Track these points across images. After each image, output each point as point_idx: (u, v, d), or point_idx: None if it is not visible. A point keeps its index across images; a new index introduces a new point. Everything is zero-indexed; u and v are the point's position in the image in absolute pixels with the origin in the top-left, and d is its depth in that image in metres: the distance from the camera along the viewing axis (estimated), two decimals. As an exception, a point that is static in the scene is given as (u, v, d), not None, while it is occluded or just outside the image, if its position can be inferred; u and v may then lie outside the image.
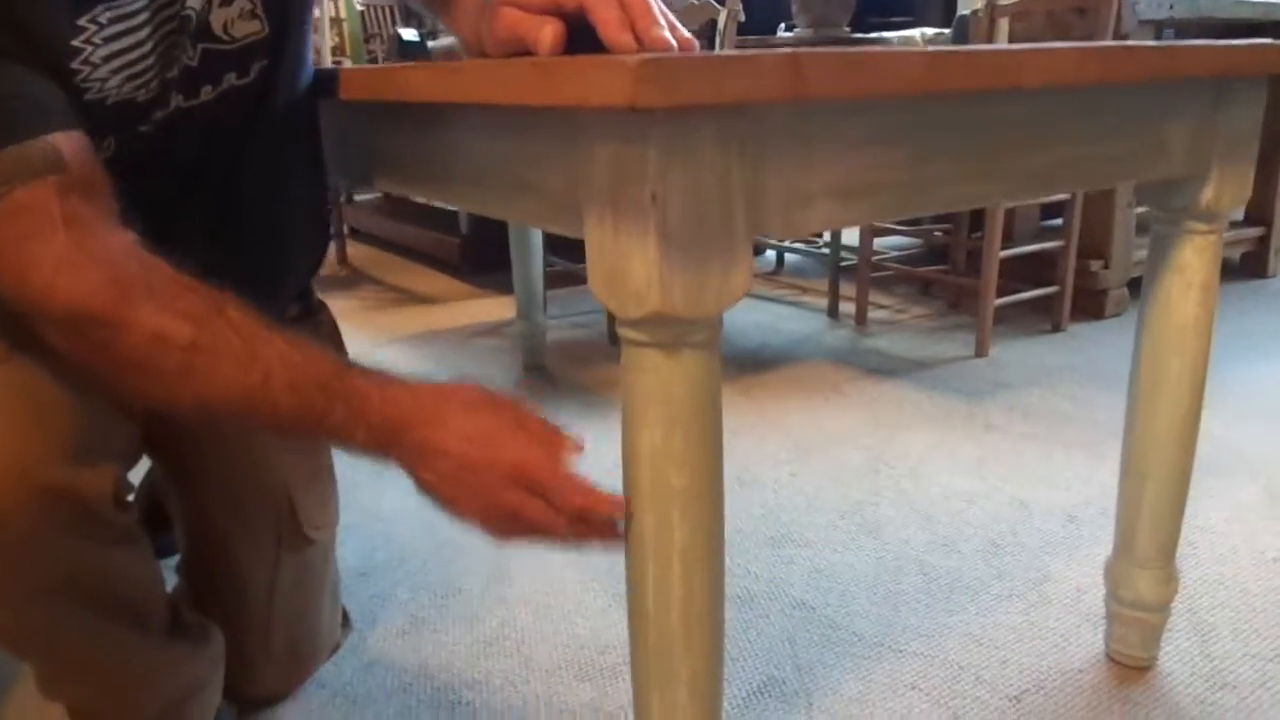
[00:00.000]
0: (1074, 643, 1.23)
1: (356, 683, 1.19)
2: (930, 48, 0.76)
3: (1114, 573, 1.16)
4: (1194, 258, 1.02)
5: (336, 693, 1.17)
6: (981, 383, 2.24)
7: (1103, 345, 2.49)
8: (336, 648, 1.20)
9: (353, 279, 3.57)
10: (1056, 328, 2.62)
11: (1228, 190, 0.99)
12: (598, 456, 1.88)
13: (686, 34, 0.69)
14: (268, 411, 0.72)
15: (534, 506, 0.71)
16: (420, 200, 4.92)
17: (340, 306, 3.12)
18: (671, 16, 0.69)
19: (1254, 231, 3.11)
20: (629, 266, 0.64)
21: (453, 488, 0.72)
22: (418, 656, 1.24)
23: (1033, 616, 1.30)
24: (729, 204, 0.64)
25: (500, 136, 0.77)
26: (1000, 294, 2.44)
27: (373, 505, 1.68)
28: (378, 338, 2.75)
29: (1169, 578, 1.13)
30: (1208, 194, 0.98)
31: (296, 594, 1.08)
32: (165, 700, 0.90)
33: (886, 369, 2.35)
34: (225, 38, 0.85)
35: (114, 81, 0.77)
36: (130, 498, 0.94)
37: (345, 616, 1.23)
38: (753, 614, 1.32)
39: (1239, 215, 3.22)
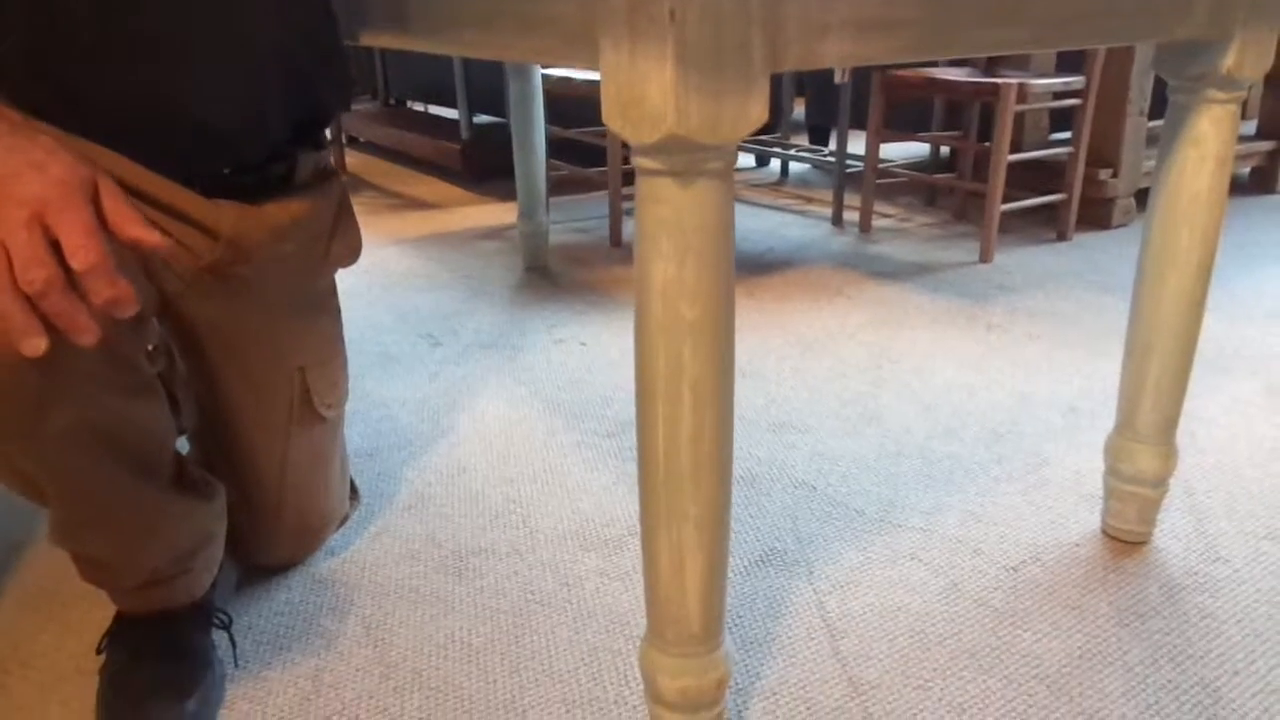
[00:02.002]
0: (1071, 520, 1.25)
1: (366, 550, 1.21)
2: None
3: (1114, 448, 1.17)
4: (1210, 129, 1.01)
5: (346, 559, 1.19)
6: (985, 286, 2.23)
7: (1108, 254, 2.48)
8: (345, 519, 1.22)
9: (352, 185, 3.53)
10: (1062, 236, 2.61)
11: (1249, 57, 0.97)
12: (602, 350, 1.89)
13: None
14: None
15: (36, 245, 0.64)
16: (419, 107, 4.86)
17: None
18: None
19: (1265, 145, 3.07)
20: (645, 89, 0.63)
21: None
22: (425, 528, 1.26)
23: (1031, 497, 1.31)
24: (747, 30, 0.63)
25: (512, -29, 0.75)
26: (1006, 202, 2.42)
27: (378, 393, 1.69)
28: (378, 239, 2.73)
29: (1169, 453, 1.14)
30: (1229, 59, 0.96)
31: (307, 468, 1.10)
32: (170, 552, 0.91)
33: (890, 273, 2.35)
34: None
35: None
36: (152, 347, 0.93)
37: (354, 489, 1.25)
38: (755, 492, 1.34)
39: (1250, 129, 3.18)
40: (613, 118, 0.67)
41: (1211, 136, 1.01)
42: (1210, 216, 1.04)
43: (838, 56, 0.70)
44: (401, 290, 2.27)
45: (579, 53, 0.70)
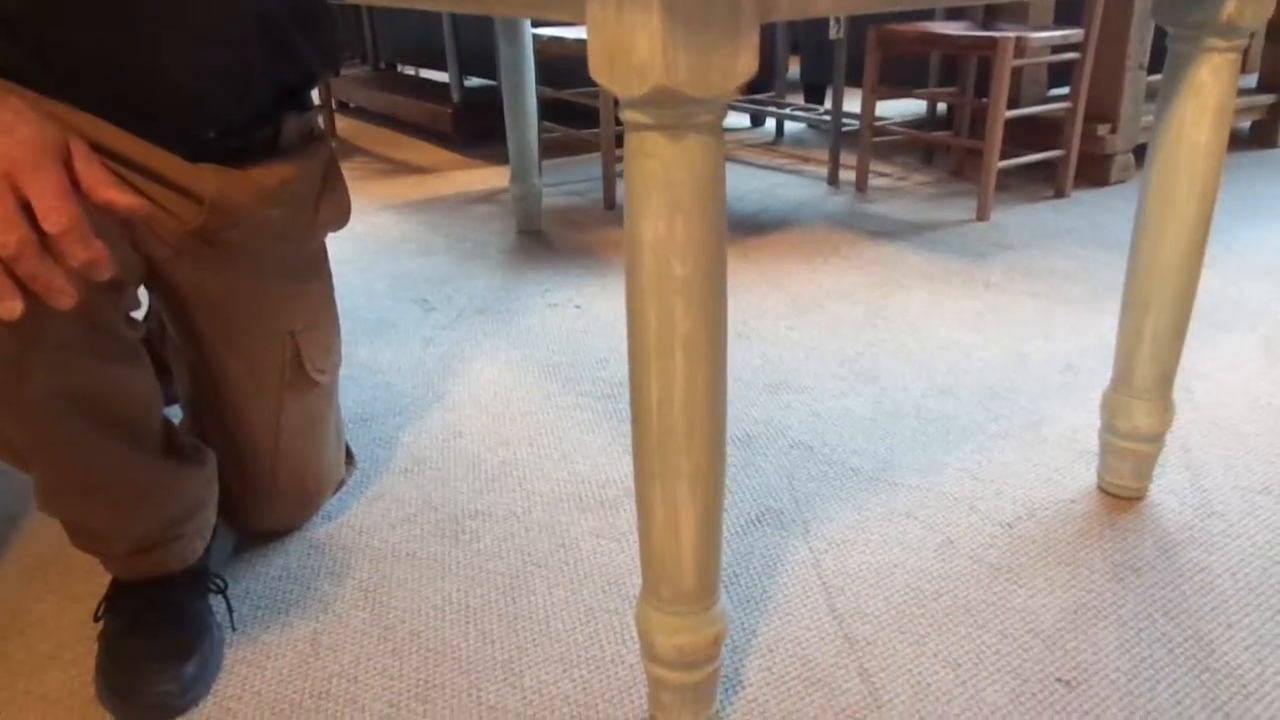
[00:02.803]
0: (1067, 477, 1.25)
1: (362, 514, 1.21)
2: None
3: (1110, 404, 1.17)
4: (1210, 78, 0.99)
5: (343, 524, 1.19)
6: (982, 244, 2.22)
7: (1107, 210, 2.47)
8: (341, 484, 1.22)
9: (342, 151, 3.50)
10: (1060, 193, 2.59)
11: (1250, 4, 0.96)
12: (597, 313, 1.88)
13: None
14: None
15: (7, 207, 0.63)
16: (409, 71, 4.81)
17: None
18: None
19: (1265, 99, 3.04)
20: (632, 41, 0.62)
21: None
22: (421, 492, 1.26)
23: (1028, 454, 1.31)
24: (736, -24, 0.62)
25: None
26: (1004, 159, 2.40)
27: (372, 359, 1.68)
28: (370, 205, 2.71)
29: (1165, 408, 1.14)
30: (1229, 7, 0.95)
31: (301, 433, 1.09)
32: (161, 518, 0.91)
33: (886, 232, 2.33)
34: None
35: None
36: (136, 315, 0.92)
37: (349, 454, 1.25)
38: (751, 453, 1.34)
39: (1251, 82, 3.15)
40: (600, 71, 0.66)
41: (1211, 86, 1.00)
42: (1209, 168, 1.03)
43: (831, 4, 0.68)
44: (394, 256, 2.25)
45: (566, 5, 0.69)
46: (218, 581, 1.01)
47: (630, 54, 0.62)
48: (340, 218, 1.11)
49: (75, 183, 0.68)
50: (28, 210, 0.64)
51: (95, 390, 0.80)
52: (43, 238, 0.64)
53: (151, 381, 0.89)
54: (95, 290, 0.78)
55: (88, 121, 0.84)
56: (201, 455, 0.97)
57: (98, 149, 0.83)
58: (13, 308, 0.63)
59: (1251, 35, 1.01)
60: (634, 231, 0.68)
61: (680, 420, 0.71)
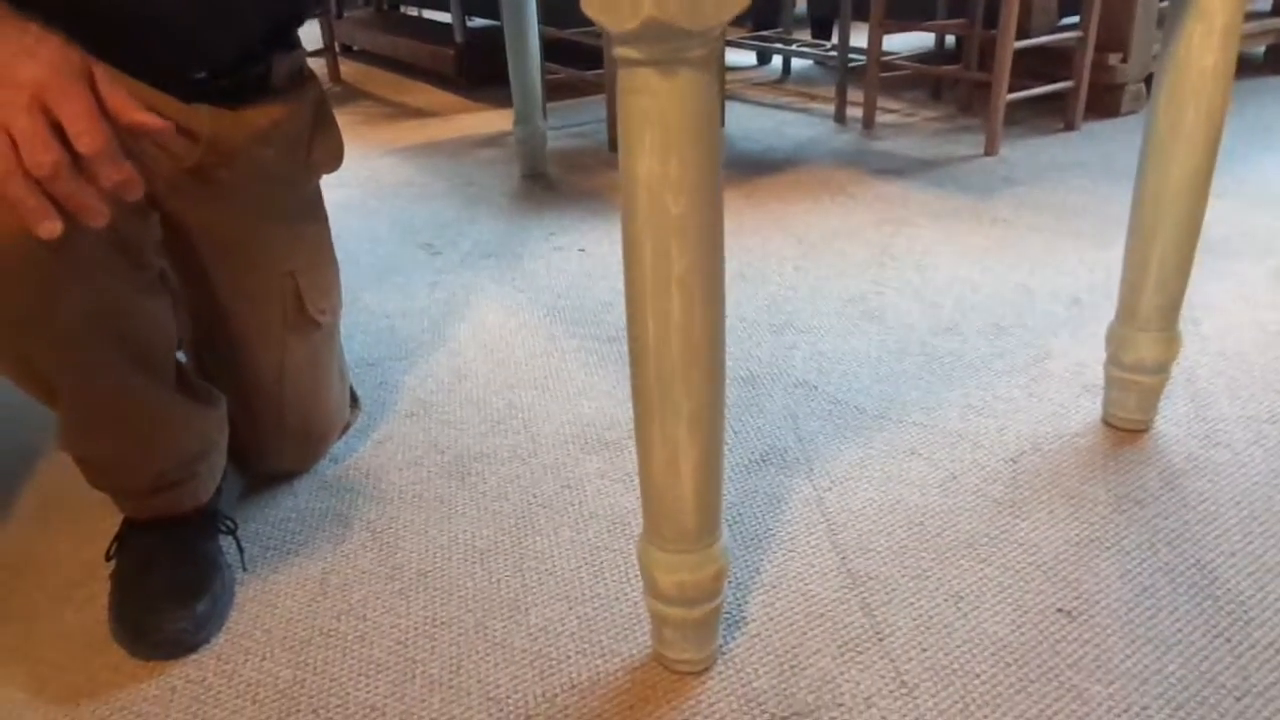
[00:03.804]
0: (1072, 411, 1.25)
1: (369, 457, 1.22)
2: None
3: (1115, 337, 1.16)
4: (1217, 1, 0.97)
5: (350, 466, 1.20)
6: (990, 179, 2.19)
7: (1117, 142, 2.43)
8: (347, 427, 1.23)
9: (346, 94, 3.47)
10: (1070, 126, 2.55)
11: (1260, -77, 0.93)
12: (601, 256, 1.87)
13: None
14: None
15: (40, 129, 0.65)
16: (412, 12, 4.73)
17: (335, 121, 3.05)
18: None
19: (1279, 21, 2.98)
20: (621, -27, 0.60)
21: None
22: (427, 435, 1.27)
23: (1032, 389, 1.31)
24: (727, -98, 0.60)
25: None
26: (1013, 92, 2.36)
27: (378, 304, 1.68)
28: (373, 149, 2.69)
29: (1171, 339, 1.13)
30: (1239, -74, 0.92)
31: (306, 374, 1.10)
32: (176, 456, 0.93)
33: (893, 170, 2.31)
34: None
35: None
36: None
37: (354, 397, 1.26)
38: (755, 392, 1.34)
39: (1266, 5, 3.07)
40: (591, 4, 0.64)
41: (1218, 8, 0.97)
42: (1217, 92, 1.01)
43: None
44: (398, 200, 2.24)
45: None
46: (228, 522, 1.03)
47: (620, -15, 0.61)
48: (333, 158, 1.11)
49: (100, 105, 0.69)
50: (58, 132, 0.66)
51: (124, 317, 0.82)
52: (75, 158, 0.66)
53: (170, 315, 0.90)
54: (124, 214, 0.79)
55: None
56: (213, 396, 0.98)
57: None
58: (52, 227, 0.66)
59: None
60: (628, 169, 0.67)
61: (678, 360, 0.71)
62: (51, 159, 0.65)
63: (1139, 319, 1.13)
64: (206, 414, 0.95)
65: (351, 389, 1.24)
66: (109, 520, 1.10)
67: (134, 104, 0.70)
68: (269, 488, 1.16)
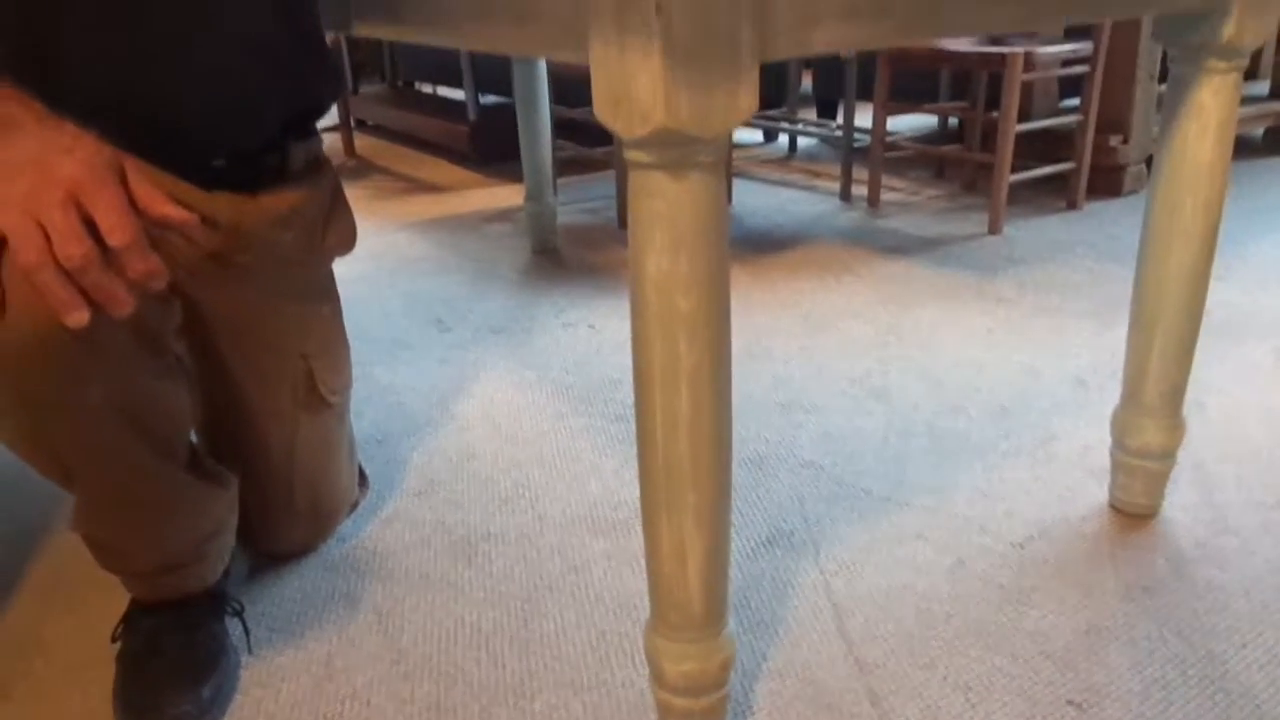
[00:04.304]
0: (1079, 495, 1.25)
1: (376, 537, 1.22)
2: None
3: (1120, 422, 1.17)
4: (1211, 99, 1.00)
5: (357, 545, 1.21)
6: (994, 259, 2.22)
7: (1119, 223, 2.46)
8: (355, 505, 1.24)
9: (360, 169, 3.54)
10: (1072, 205, 2.59)
11: (1250, 25, 0.96)
12: (610, 333, 1.89)
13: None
14: None
15: (73, 223, 0.69)
16: (427, 89, 4.85)
17: (348, 196, 3.10)
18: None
19: (1277, 106, 3.03)
20: (634, 84, 0.63)
21: (1, 187, 0.70)
22: (435, 514, 1.27)
23: (1038, 472, 1.31)
24: (735, 21, 0.63)
25: (501, -37, 0.75)
26: (1016, 173, 2.40)
27: (388, 379, 1.70)
28: (387, 224, 2.74)
29: (1175, 425, 1.14)
30: (1228, 28, 0.95)
31: (316, 454, 1.11)
32: (186, 538, 0.93)
33: (898, 248, 2.34)
34: None
35: None
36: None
37: (363, 476, 1.26)
38: (761, 474, 1.34)
39: (1263, 90, 3.14)
40: (604, 111, 0.67)
41: (1213, 107, 1.00)
42: (1214, 187, 1.03)
43: (828, 43, 0.69)
44: (411, 275, 2.28)
45: (571, 45, 0.70)
46: (235, 604, 1.03)
47: (632, 96, 0.64)
48: (346, 242, 1.13)
49: (130, 199, 0.73)
50: (90, 226, 0.69)
51: (144, 403, 0.84)
52: (104, 251, 0.70)
53: (186, 399, 0.92)
54: (147, 303, 0.81)
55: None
56: (224, 477, 0.99)
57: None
58: (80, 317, 0.69)
59: (1261, 47, 1.01)
60: (639, 267, 0.69)
61: (686, 451, 0.72)
62: (81, 251, 0.68)
63: (1144, 405, 1.14)
64: (218, 495, 0.96)
65: (360, 467, 1.25)
66: (115, 601, 1.10)
67: (162, 197, 0.74)
68: (275, 567, 1.17)
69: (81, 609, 1.10)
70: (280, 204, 1.00)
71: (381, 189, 3.20)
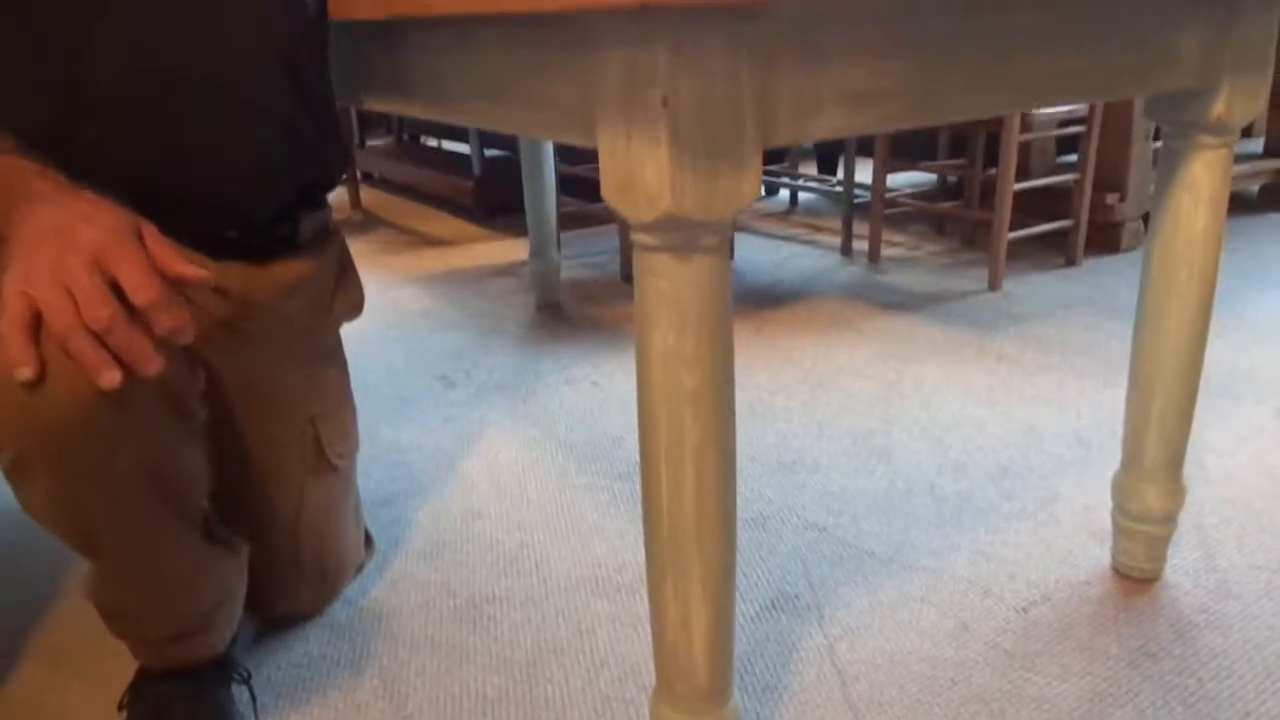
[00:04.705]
0: (1081, 558, 1.26)
1: (382, 599, 1.23)
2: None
3: (1121, 486, 1.18)
4: (1204, 172, 1.02)
5: (363, 608, 1.21)
6: (994, 316, 2.24)
7: (1118, 278, 2.49)
8: (361, 567, 1.24)
9: (366, 222, 3.58)
10: (1071, 262, 2.61)
11: (1239, 103, 0.99)
12: (613, 389, 1.91)
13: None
14: None
15: (98, 287, 0.71)
16: (432, 143, 4.91)
17: (354, 250, 3.12)
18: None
19: (1273, 163, 3.07)
20: (642, 171, 0.65)
21: (28, 259, 0.72)
22: (440, 576, 1.28)
23: (1041, 534, 1.32)
24: (739, 108, 0.65)
25: (513, 50, 0.78)
26: (1014, 229, 2.44)
27: (392, 438, 1.71)
28: (392, 279, 2.77)
29: (1175, 490, 1.15)
30: (1218, 107, 0.98)
31: (323, 517, 1.12)
32: (199, 605, 0.94)
33: (899, 304, 2.36)
34: None
35: None
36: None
37: (368, 537, 1.27)
38: (765, 535, 1.35)
39: (1258, 147, 3.18)
40: (611, 195, 0.69)
41: (1205, 180, 1.03)
42: (1207, 257, 1.05)
43: (829, 129, 0.72)
44: (416, 331, 2.30)
45: (580, 131, 0.72)
46: (241, 671, 1.03)
47: (639, 183, 0.66)
48: (354, 310, 1.15)
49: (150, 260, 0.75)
50: (116, 289, 0.71)
51: (169, 469, 0.86)
52: (130, 312, 0.72)
53: (205, 463, 0.93)
54: (175, 367, 0.83)
55: None
56: (236, 545, 1.00)
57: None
58: (112, 376, 0.71)
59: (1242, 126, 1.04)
60: (644, 344, 0.71)
61: (691, 524, 0.74)
62: (108, 313, 0.70)
63: (1144, 470, 1.15)
64: (230, 563, 0.97)
65: (366, 529, 1.26)
66: (122, 668, 1.10)
67: (179, 258, 0.76)
68: (281, 631, 1.17)
69: (89, 675, 1.10)
70: (289, 274, 1.02)
71: (387, 243, 3.24)
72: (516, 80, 0.79)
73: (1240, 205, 3.12)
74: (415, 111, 0.98)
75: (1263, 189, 3.15)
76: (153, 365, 0.73)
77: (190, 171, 0.93)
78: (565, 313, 2.41)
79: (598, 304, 2.47)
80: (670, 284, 0.69)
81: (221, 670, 1.00)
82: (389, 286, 2.68)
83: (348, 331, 1.16)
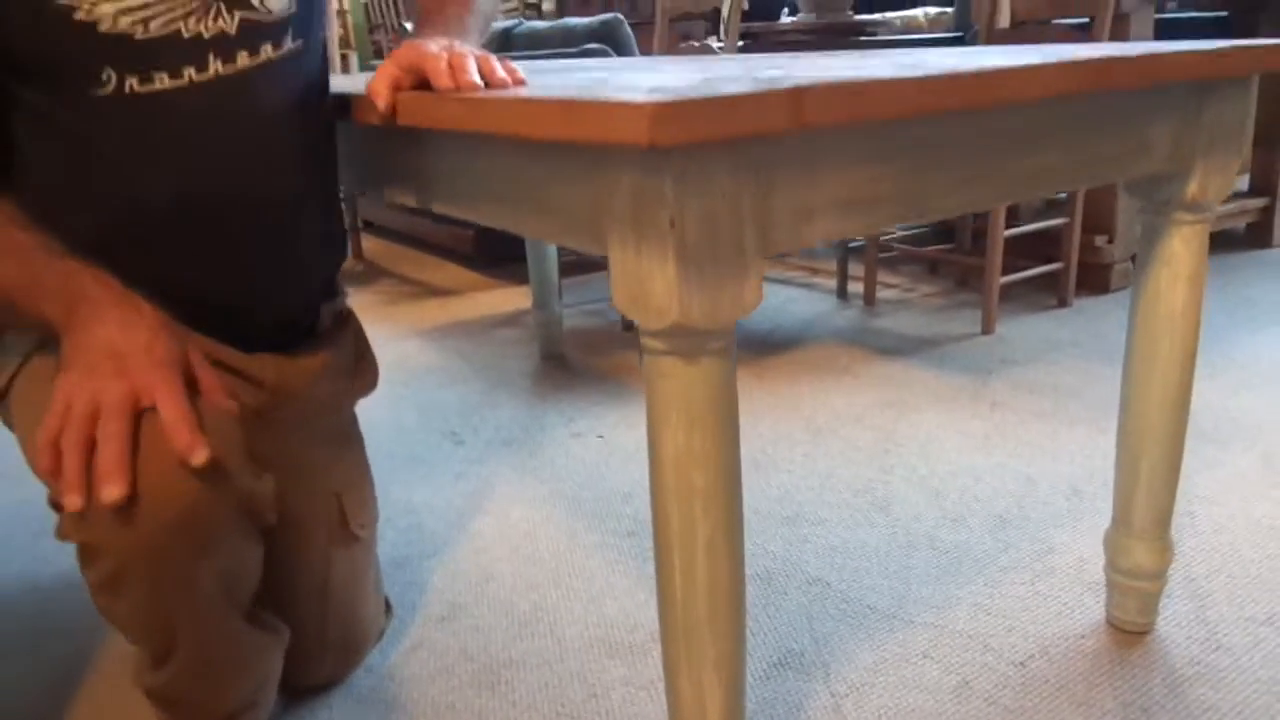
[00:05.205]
0: (1077, 610, 1.30)
1: (401, 666, 1.27)
2: (928, 24, 0.82)
3: (1112, 543, 1.22)
4: (1181, 248, 1.08)
5: (384, 676, 1.25)
6: (988, 360, 2.29)
7: (1108, 319, 2.54)
8: (381, 634, 1.28)
9: (369, 273, 3.64)
10: (1062, 303, 2.67)
11: (1212, 183, 1.05)
12: (617, 440, 1.95)
13: (503, 75, 0.87)
14: None
15: (121, 437, 0.77)
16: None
17: (358, 301, 3.18)
18: (491, 61, 0.89)
19: (1259, 202, 3.14)
20: (650, 285, 0.70)
21: (81, 373, 0.79)
22: (458, 641, 1.32)
23: (1038, 586, 1.36)
24: (740, 225, 0.71)
25: (527, 161, 0.83)
26: (1006, 271, 2.49)
27: (405, 499, 1.75)
28: (397, 332, 2.82)
29: (1164, 548, 1.20)
30: (1192, 188, 1.04)
31: (347, 588, 1.17)
32: (247, 690, 0.99)
33: (895, 349, 2.41)
34: (261, 9, 0.92)
35: (106, 9, 0.85)
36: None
37: (387, 604, 1.31)
38: (771, 591, 1.39)
39: (1244, 186, 3.25)
40: (622, 302, 0.74)
41: (1183, 256, 1.08)
42: (1187, 329, 1.10)
43: (823, 234, 0.77)
44: (423, 386, 2.35)
45: (590, 241, 0.78)
46: (272, 746, 1.07)
47: (649, 295, 0.71)
48: (370, 386, 1.21)
49: (192, 383, 0.82)
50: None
51: (237, 568, 0.92)
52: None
53: (261, 557, 0.98)
54: (253, 471, 0.89)
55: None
56: (278, 627, 1.05)
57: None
58: (74, 501, 0.76)
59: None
60: (656, 447, 0.75)
61: (704, 612, 0.78)
62: (115, 451, 0.77)
63: (1133, 529, 1.19)
64: (274, 645, 1.02)
65: (385, 597, 1.30)
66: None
67: (219, 388, 0.81)
68: (308, 702, 1.21)
69: (120, 746, 1.14)
70: (315, 363, 1.08)
71: (390, 294, 3.30)
72: (529, 189, 0.84)
73: (1227, 243, 3.19)
74: (433, 206, 1.03)
75: (1249, 226, 3.22)
76: (114, 488, 0.77)
77: (238, 284, 0.99)
78: (569, 363, 2.46)
79: (600, 354, 2.52)
80: (679, 385, 0.74)
81: (257, 745, 1.04)
82: (396, 340, 2.74)
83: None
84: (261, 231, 0.98)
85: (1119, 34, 2.54)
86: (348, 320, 1.18)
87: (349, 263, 3.78)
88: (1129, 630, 1.25)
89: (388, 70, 0.90)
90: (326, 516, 1.13)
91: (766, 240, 0.73)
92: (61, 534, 0.80)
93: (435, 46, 0.89)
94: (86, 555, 0.81)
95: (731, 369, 0.75)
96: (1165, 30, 2.90)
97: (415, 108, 0.89)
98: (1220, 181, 1.05)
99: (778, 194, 0.72)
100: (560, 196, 0.80)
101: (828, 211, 0.76)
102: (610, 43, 3.05)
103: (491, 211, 0.93)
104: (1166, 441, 1.14)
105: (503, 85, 0.86)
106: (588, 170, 0.74)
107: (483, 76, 0.86)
